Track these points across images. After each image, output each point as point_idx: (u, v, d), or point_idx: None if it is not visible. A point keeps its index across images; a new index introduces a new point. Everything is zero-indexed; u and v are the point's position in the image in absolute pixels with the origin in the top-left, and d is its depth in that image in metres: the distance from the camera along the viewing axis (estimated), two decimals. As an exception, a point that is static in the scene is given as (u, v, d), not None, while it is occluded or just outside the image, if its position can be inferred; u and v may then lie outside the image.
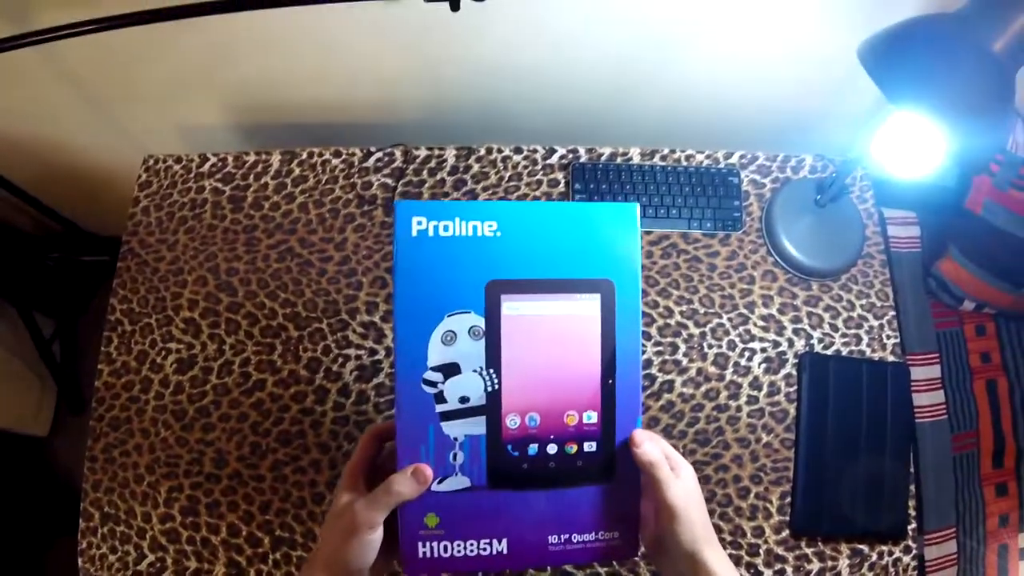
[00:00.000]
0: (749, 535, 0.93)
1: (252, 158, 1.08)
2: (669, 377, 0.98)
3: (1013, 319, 1.22)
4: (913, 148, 0.79)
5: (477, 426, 0.54)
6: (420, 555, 0.54)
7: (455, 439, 0.54)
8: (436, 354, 0.53)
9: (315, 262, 1.02)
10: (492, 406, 0.54)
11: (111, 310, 1.02)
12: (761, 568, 0.92)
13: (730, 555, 0.91)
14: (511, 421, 0.54)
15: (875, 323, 1.02)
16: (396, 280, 0.53)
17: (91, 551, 0.93)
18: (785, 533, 0.93)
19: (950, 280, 1.20)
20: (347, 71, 1.06)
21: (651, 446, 0.54)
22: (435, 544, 0.54)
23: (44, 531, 1.57)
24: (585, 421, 0.55)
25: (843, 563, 0.93)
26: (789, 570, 0.92)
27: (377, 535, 0.52)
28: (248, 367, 0.98)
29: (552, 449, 0.55)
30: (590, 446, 0.55)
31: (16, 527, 1.55)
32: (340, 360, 0.98)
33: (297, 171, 1.07)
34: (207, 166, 1.08)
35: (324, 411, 0.96)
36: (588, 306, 0.55)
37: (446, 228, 0.53)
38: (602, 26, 0.96)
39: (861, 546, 0.94)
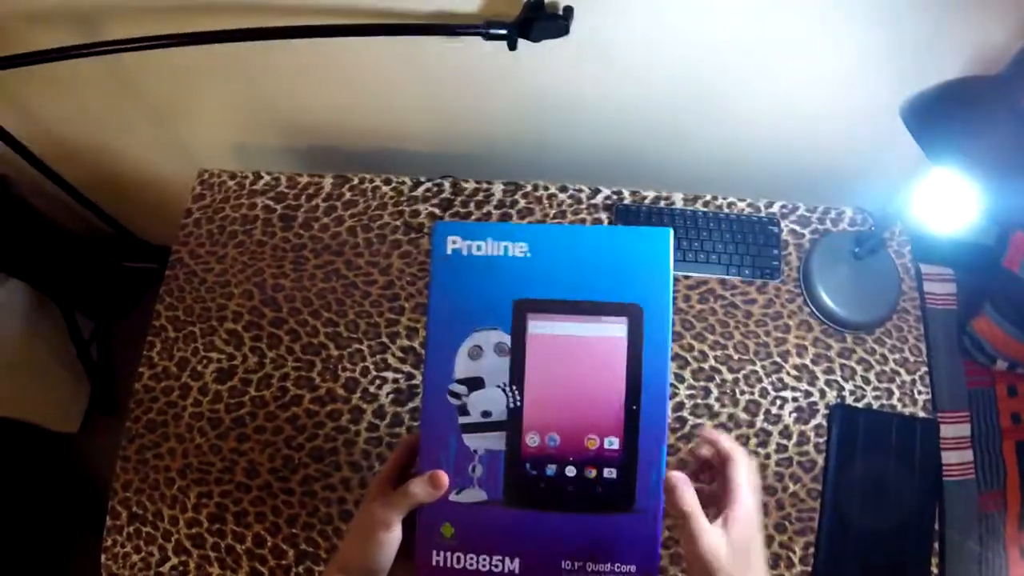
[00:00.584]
0: (771, 584, 0.93)
1: (305, 179, 1.11)
2: (700, 421, 0.99)
3: (1046, 381, 1.22)
4: (950, 205, 0.80)
5: (497, 441, 0.54)
6: (434, 563, 0.55)
7: (475, 452, 0.54)
8: (462, 367, 0.54)
9: (360, 284, 1.05)
10: (513, 422, 0.54)
11: (156, 316, 1.04)
12: (782, 619, 0.92)
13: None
14: (531, 439, 0.54)
15: (907, 378, 1.02)
16: (430, 294, 0.56)
17: (115, 549, 0.95)
18: (807, 585, 0.93)
19: (984, 338, 1.19)
20: (403, 102, 1.08)
21: (684, 491, 0.52)
22: (448, 554, 0.55)
23: (67, 529, 1.59)
24: (606, 446, 0.54)
25: (864, 619, 0.92)
26: (810, 622, 0.92)
27: (393, 535, 0.52)
28: (287, 382, 1.00)
29: (571, 471, 0.55)
30: (610, 472, 0.54)
31: (40, 522, 1.58)
32: (378, 382, 1.00)
33: (348, 195, 1.10)
34: (260, 184, 1.11)
35: (358, 431, 0.97)
36: (615, 329, 0.54)
37: (479, 248, 0.55)
38: (652, 73, 0.98)
39: (883, 603, 0.93)
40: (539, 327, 0.55)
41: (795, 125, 1.06)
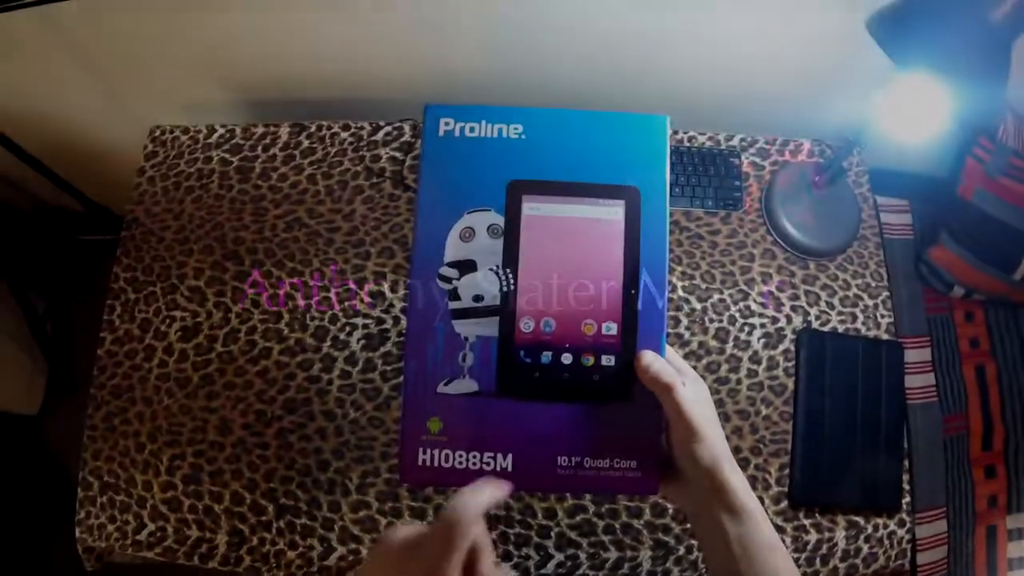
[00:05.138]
0: (748, 506, 0.94)
1: (260, 130, 1.09)
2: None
3: (1001, 306, 1.25)
4: (919, 112, 0.81)
5: (489, 327, 0.52)
6: (419, 462, 0.51)
7: (466, 339, 0.52)
8: (453, 250, 0.52)
9: (323, 232, 1.03)
10: (506, 307, 0.52)
11: (114, 278, 1.01)
12: (760, 537, 0.94)
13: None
14: (525, 325, 0.52)
15: (870, 302, 1.05)
16: (420, 176, 0.53)
17: (89, 521, 0.93)
18: (784, 504, 0.95)
19: (941, 267, 1.22)
20: (355, 47, 1.06)
21: (660, 366, 0.50)
22: (436, 451, 0.51)
23: (38, 512, 1.55)
24: (604, 332, 0.52)
25: (839, 534, 0.95)
26: (787, 540, 0.93)
27: None
28: (254, 335, 0.98)
29: (567, 359, 0.52)
30: (608, 359, 0.52)
31: (8, 506, 1.54)
32: (347, 329, 0.99)
33: (306, 143, 1.08)
34: (215, 137, 1.08)
35: (330, 379, 0.96)
36: (612, 212, 0.53)
37: (472, 129, 0.53)
38: (602, 10, 0.97)
39: (857, 518, 0.96)
40: (534, 208, 0.52)
41: (752, 57, 1.06)
